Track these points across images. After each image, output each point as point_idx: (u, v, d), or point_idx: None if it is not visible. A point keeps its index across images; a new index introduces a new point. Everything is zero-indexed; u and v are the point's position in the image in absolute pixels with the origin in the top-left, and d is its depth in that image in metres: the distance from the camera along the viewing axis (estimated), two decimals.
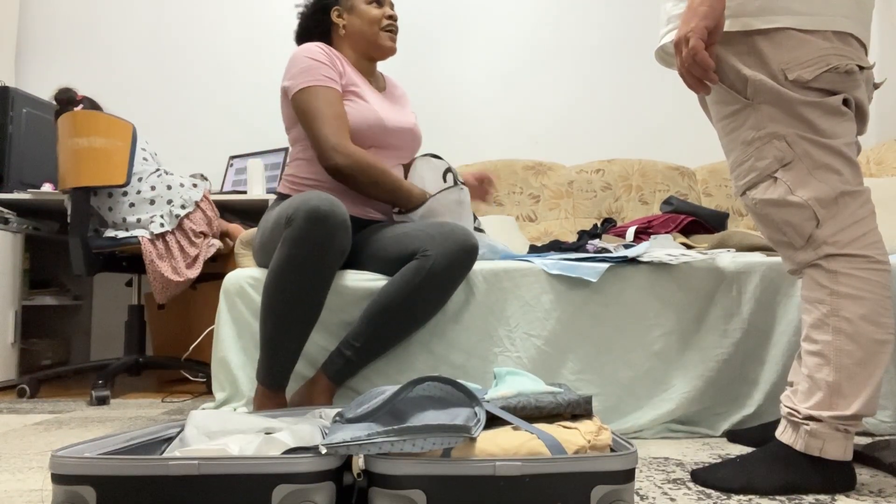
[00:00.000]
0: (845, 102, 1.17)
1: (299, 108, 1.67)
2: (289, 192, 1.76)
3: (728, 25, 1.16)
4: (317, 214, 1.41)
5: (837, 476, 1.13)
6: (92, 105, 2.39)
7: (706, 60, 1.12)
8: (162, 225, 2.25)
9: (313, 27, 1.87)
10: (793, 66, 1.14)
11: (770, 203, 1.18)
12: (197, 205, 2.34)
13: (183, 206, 2.29)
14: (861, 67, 1.17)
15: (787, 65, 1.14)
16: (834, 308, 1.13)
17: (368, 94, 1.77)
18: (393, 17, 1.83)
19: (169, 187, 2.31)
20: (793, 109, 1.14)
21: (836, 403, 1.11)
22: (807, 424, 1.13)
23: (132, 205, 2.27)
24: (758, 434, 1.51)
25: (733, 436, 1.58)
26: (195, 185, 2.38)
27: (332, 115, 1.64)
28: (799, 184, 1.15)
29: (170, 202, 2.29)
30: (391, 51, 1.84)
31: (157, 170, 2.37)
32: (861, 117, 1.22)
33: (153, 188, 2.30)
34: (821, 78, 1.13)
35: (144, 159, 2.37)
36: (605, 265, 1.68)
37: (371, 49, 1.82)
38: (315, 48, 1.72)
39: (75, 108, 2.31)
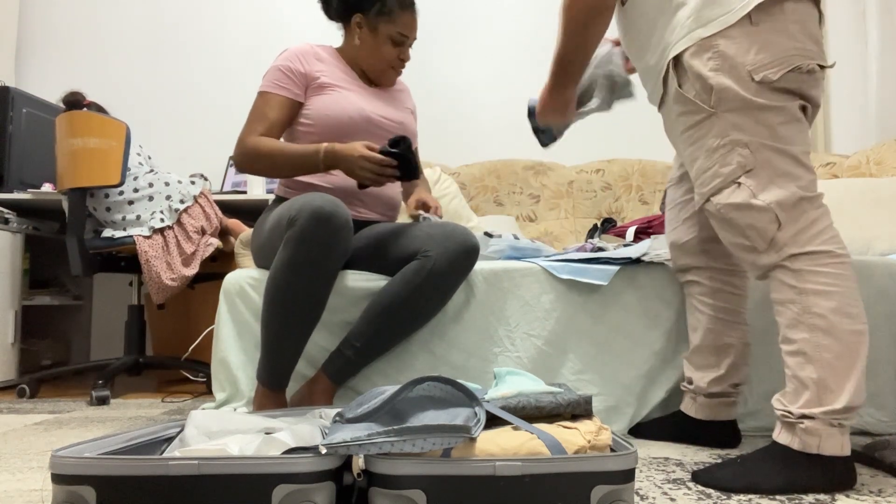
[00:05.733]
0: (803, 110, 1.22)
1: None
2: (286, 194, 1.76)
3: (690, 39, 1.21)
4: (320, 215, 1.41)
5: (838, 473, 1.13)
6: (98, 111, 2.39)
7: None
8: (162, 220, 2.26)
9: (335, 4, 1.79)
10: (759, 68, 1.18)
11: (734, 207, 1.22)
12: (195, 199, 2.34)
13: (182, 201, 2.31)
14: (821, 66, 1.21)
15: (752, 66, 1.18)
16: (805, 306, 1.16)
17: (354, 87, 1.77)
18: (404, 60, 1.80)
19: (167, 184, 2.33)
20: (755, 116, 1.19)
21: (825, 399, 1.13)
22: (801, 423, 1.14)
23: (131, 202, 2.28)
24: (657, 427, 1.58)
25: (637, 429, 1.63)
26: (193, 182, 2.38)
27: (257, 117, 1.69)
28: (761, 189, 1.19)
29: (168, 197, 2.30)
30: (389, 86, 1.85)
31: (152, 170, 2.38)
32: (814, 112, 1.28)
33: (151, 185, 2.31)
34: (785, 78, 1.18)
35: (140, 164, 2.39)
36: (615, 268, 1.68)
37: (370, 74, 1.82)
38: (286, 54, 1.74)
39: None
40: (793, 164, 1.19)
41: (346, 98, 1.71)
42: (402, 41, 1.77)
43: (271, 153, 1.62)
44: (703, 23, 1.21)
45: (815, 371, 1.14)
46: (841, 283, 1.15)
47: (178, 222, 2.29)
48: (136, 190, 2.29)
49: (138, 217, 2.27)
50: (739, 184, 1.21)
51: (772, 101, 1.18)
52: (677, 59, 1.25)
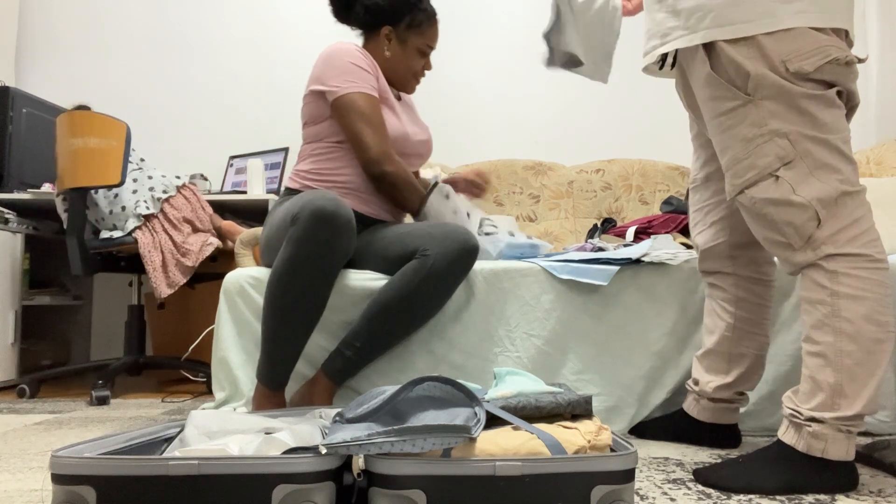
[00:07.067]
0: (839, 95, 1.17)
1: (345, 109, 1.64)
2: (300, 187, 1.74)
3: (737, 31, 1.16)
4: (322, 214, 1.41)
5: (840, 476, 1.13)
6: None
7: None
8: (147, 207, 2.28)
9: (361, 13, 1.79)
10: (793, 58, 1.13)
11: (770, 202, 1.17)
12: (178, 190, 2.37)
13: (164, 191, 2.34)
14: (859, 59, 1.17)
15: (787, 56, 1.13)
16: (835, 309, 1.13)
17: (395, 105, 1.78)
18: (427, 68, 1.86)
19: (150, 177, 2.37)
20: (795, 104, 1.14)
21: (839, 404, 1.11)
22: (809, 426, 1.13)
23: (116, 195, 2.31)
24: (658, 426, 1.58)
25: (638, 428, 1.63)
26: (178, 177, 2.42)
27: (378, 122, 1.66)
28: (800, 183, 1.14)
29: (151, 189, 2.34)
30: (408, 94, 1.90)
31: (139, 167, 2.40)
32: (852, 110, 1.23)
33: (135, 180, 2.35)
34: (822, 69, 1.13)
35: (130, 160, 2.40)
36: (615, 268, 1.67)
37: (395, 83, 1.83)
38: (357, 53, 1.70)
39: None
40: (833, 155, 1.14)
41: (395, 121, 1.73)
42: (429, 52, 1.82)
43: (410, 187, 1.69)
44: (723, 23, 1.16)
45: (833, 375, 1.12)
46: (875, 290, 1.12)
47: (163, 212, 2.31)
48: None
49: (123, 208, 2.28)
50: (777, 177, 1.15)
51: (809, 89, 1.14)
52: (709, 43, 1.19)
